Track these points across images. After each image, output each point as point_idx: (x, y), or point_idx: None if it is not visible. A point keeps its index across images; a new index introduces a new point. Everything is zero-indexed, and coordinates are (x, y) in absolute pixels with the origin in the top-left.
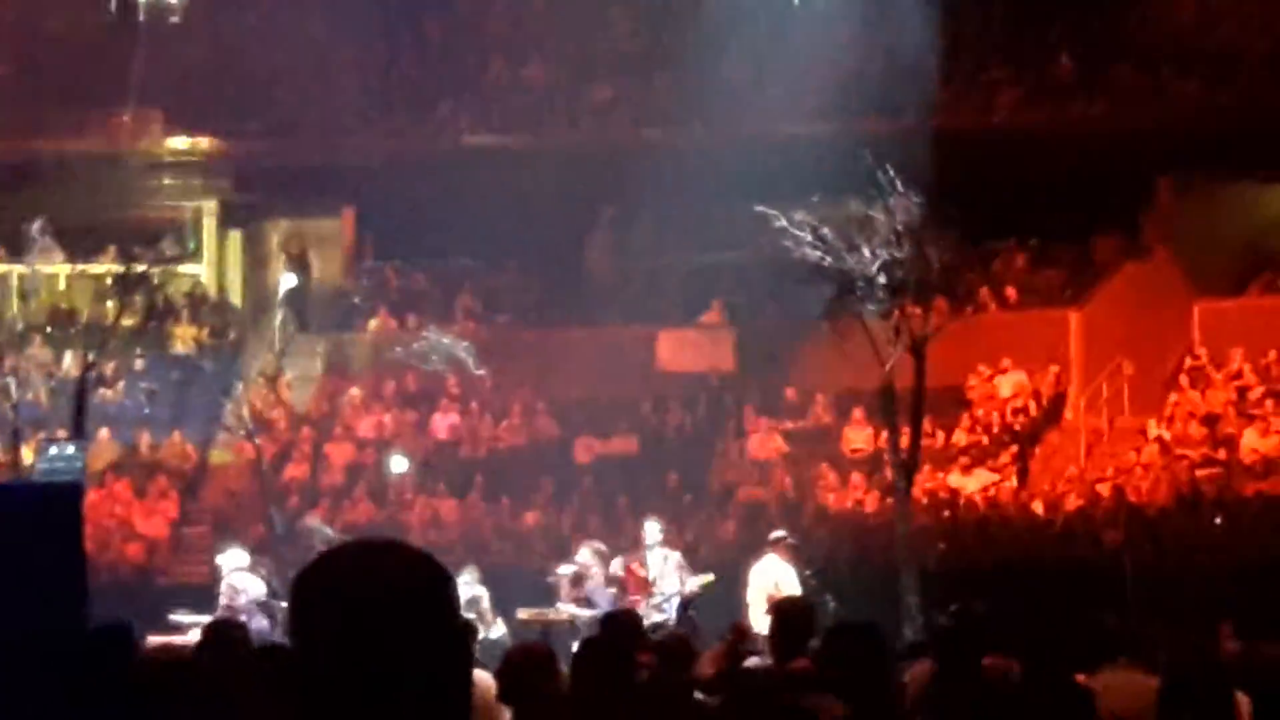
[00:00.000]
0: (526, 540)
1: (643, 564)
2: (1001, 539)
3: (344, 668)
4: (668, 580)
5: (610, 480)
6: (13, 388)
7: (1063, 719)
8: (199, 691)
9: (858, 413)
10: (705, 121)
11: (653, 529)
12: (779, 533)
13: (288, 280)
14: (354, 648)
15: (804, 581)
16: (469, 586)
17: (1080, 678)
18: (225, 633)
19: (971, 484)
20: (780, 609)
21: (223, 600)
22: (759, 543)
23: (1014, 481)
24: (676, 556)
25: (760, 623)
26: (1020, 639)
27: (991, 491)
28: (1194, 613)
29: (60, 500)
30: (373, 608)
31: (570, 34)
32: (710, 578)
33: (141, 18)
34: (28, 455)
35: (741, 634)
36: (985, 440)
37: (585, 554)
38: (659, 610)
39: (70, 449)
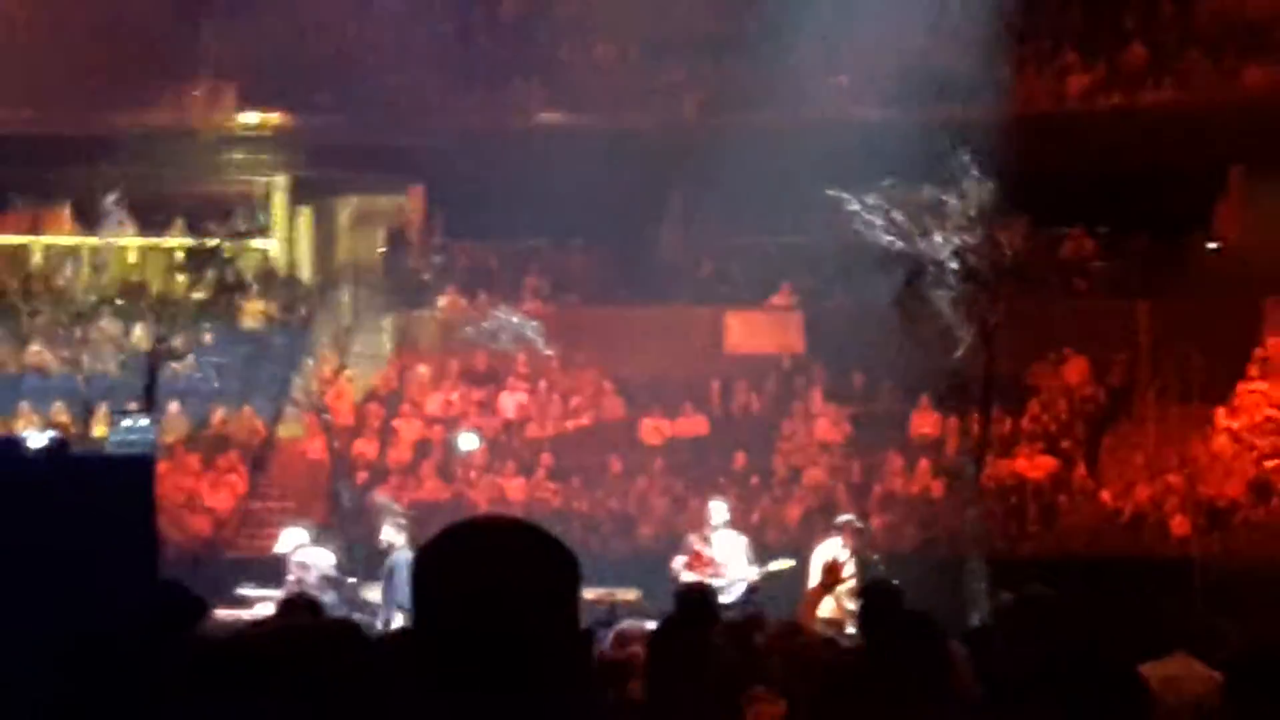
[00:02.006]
0: (592, 520)
1: (708, 545)
2: (1069, 527)
3: (466, 643)
4: (734, 564)
5: (677, 461)
6: (84, 360)
7: (1120, 708)
8: (270, 666)
9: (925, 398)
10: (777, 104)
11: (719, 509)
12: (845, 516)
13: (381, 251)
14: (478, 624)
15: (873, 567)
16: None
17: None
18: (297, 608)
19: (1039, 471)
20: (867, 592)
21: (292, 577)
22: (824, 526)
23: (1082, 469)
24: (744, 541)
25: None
26: (1084, 626)
27: (1059, 479)
28: (1262, 604)
29: (132, 472)
30: (500, 586)
31: (642, 14)
32: (790, 563)
33: None
34: (99, 428)
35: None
36: (1053, 428)
37: (389, 531)
38: (724, 594)
39: (142, 421)
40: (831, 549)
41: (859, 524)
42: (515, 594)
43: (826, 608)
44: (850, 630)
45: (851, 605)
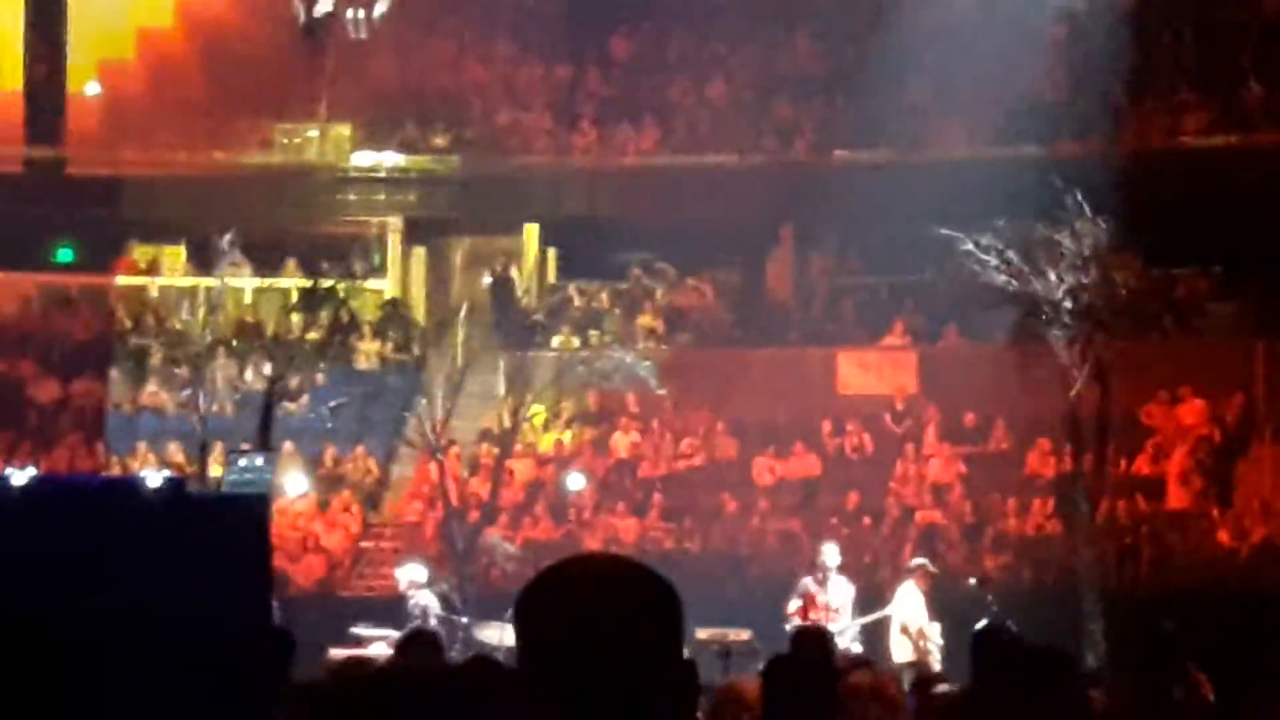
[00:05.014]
0: (704, 560)
1: (823, 589)
2: (1186, 567)
3: (570, 682)
4: (845, 612)
5: (789, 501)
6: (200, 400)
7: None
8: (393, 702)
9: (1040, 438)
10: (890, 143)
11: (832, 552)
12: (918, 560)
13: (490, 293)
14: (582, 659)
15: (987, 609)
16: None
17: None
18: (421, 643)
19: (1154, 511)
20: (979, 636)
21: (415, 618)
22: (936, 566)
23: (1198, 509)
24: (853, 589)
25: (898, 648)
26: (1209, 664)
27: (1175, 519)
28: None
29: (248, 512)
30: (603, 620)
31: (754, 54)
32: (888, 612)
33: (331, 34)
34: (214, 468)
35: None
36: (1168, 468)
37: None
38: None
39: (258, 461)
40: (904, 592)
41: (931, 567)
42: (619, 627)
43: (906, 651)
44: (935, 666)
45: (926, 644)
